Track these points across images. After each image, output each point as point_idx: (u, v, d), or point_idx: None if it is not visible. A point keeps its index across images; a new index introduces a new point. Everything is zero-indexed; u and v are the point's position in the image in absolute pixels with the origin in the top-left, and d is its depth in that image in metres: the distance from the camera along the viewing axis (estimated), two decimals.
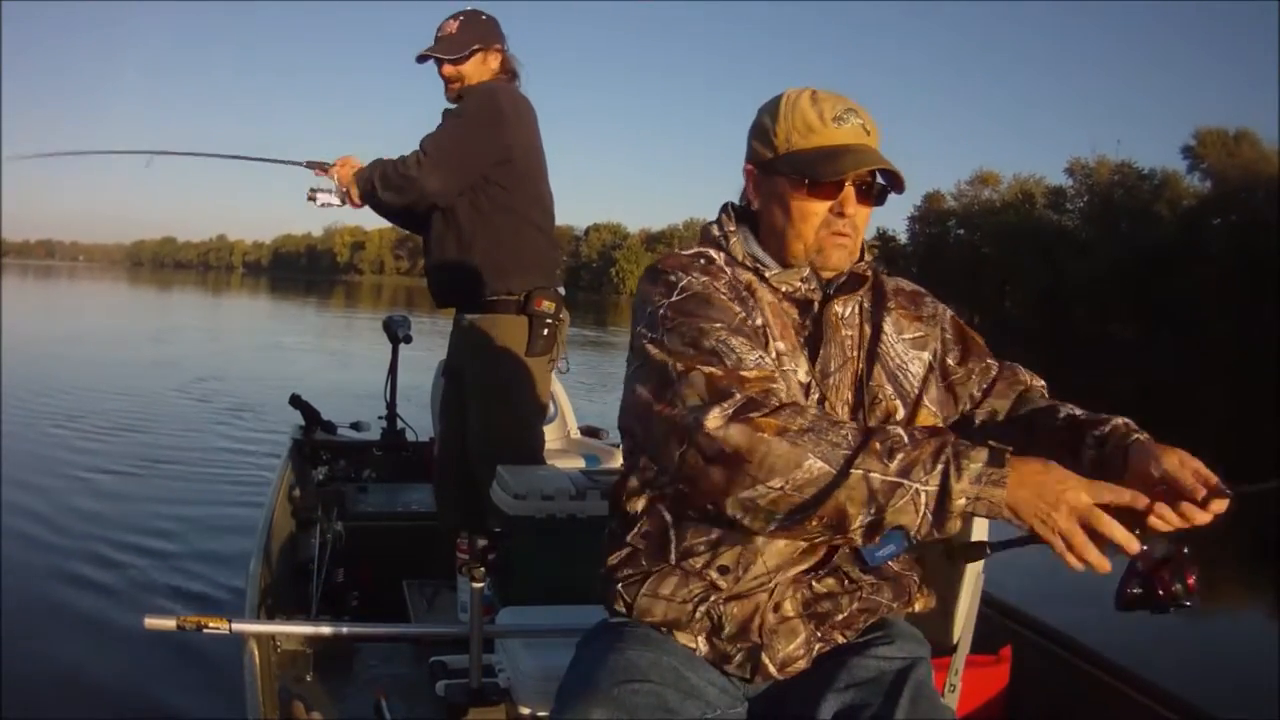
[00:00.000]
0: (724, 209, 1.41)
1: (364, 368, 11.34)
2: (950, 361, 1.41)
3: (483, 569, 1.81)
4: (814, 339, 1.32)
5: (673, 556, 1.27)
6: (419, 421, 3.84)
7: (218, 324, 24.49)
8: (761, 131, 1.33)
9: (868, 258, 1.41)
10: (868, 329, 1.37)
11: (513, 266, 2.58)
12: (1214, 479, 1.11)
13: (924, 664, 1.29)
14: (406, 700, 1.94)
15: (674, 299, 1.24)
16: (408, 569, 2.69)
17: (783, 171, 1.30)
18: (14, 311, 20.18)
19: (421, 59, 2.62)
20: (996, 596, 2.06)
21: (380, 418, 3.94)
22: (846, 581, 1.29)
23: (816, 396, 1.30)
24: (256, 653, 1.87)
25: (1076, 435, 1.29)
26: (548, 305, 2.57)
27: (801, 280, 1.33)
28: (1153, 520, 1.10)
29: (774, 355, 1.27)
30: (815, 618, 1.28)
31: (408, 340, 4.00)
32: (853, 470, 1.05)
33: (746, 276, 1.33)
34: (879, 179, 1.30)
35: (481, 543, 1.89)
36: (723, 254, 1.35)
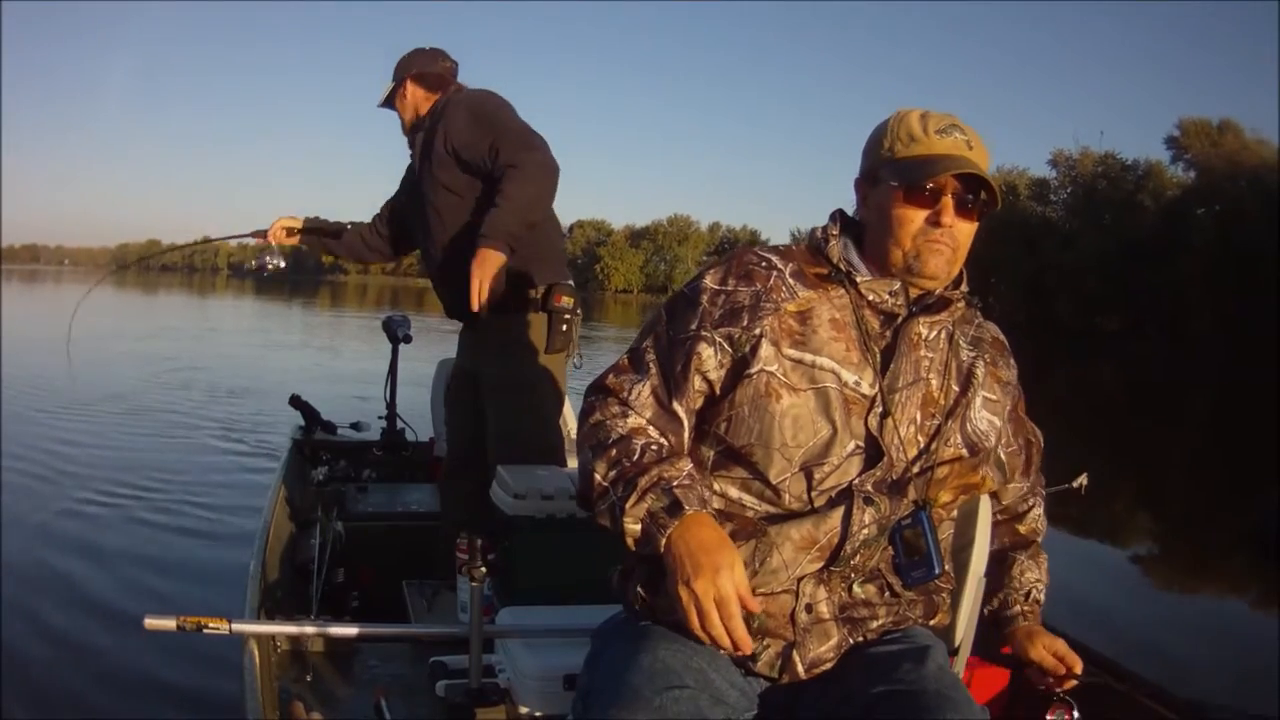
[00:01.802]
0: (833, 215, 1.43)
1: (352, 367, 11.37)
2: (1002, 451, 1.42)
3: (483, 569, 1.81)
4: (888, 351, 1.32)
5: None
6: (419, 422, 3.85)
7: (209, 325, 24.50)
8: (871, 144, 1.38)
9: (963, 286, 1.40)
10: (955, 364, 1.37)
11: (531, 263, 2.54)
12: (1071, 659, 1.45)
13: (947, 668, 1.29)
14: (406, 700, 1.94)
15: (684, 290, 1.39)
16: (408, 569, 2.69)
17: (883, 178, 1.33)
18: (12, 315, 20.21)
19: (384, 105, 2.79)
20: None
21: (380, 418, 3.95)
22: (887, 593, 1.31)
23: (880, 410, 1.30)
24: (256, 653, 1.87)
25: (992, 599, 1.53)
26: (566, 300, 2.55)
27: (890, 293, 1.33)
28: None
29: (781, 364, 1.28)
30: (850, 623, 1.29)
31: (407, 340, 4.00)
32: (590, 466, 1.28)
33: (811, 284, 1.34)
34: (981, 195, 1.32)
35: (481, 543, 1.89)
36: (790, 264, 1.36)
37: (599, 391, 1.38)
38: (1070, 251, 38.77)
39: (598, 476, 1.27)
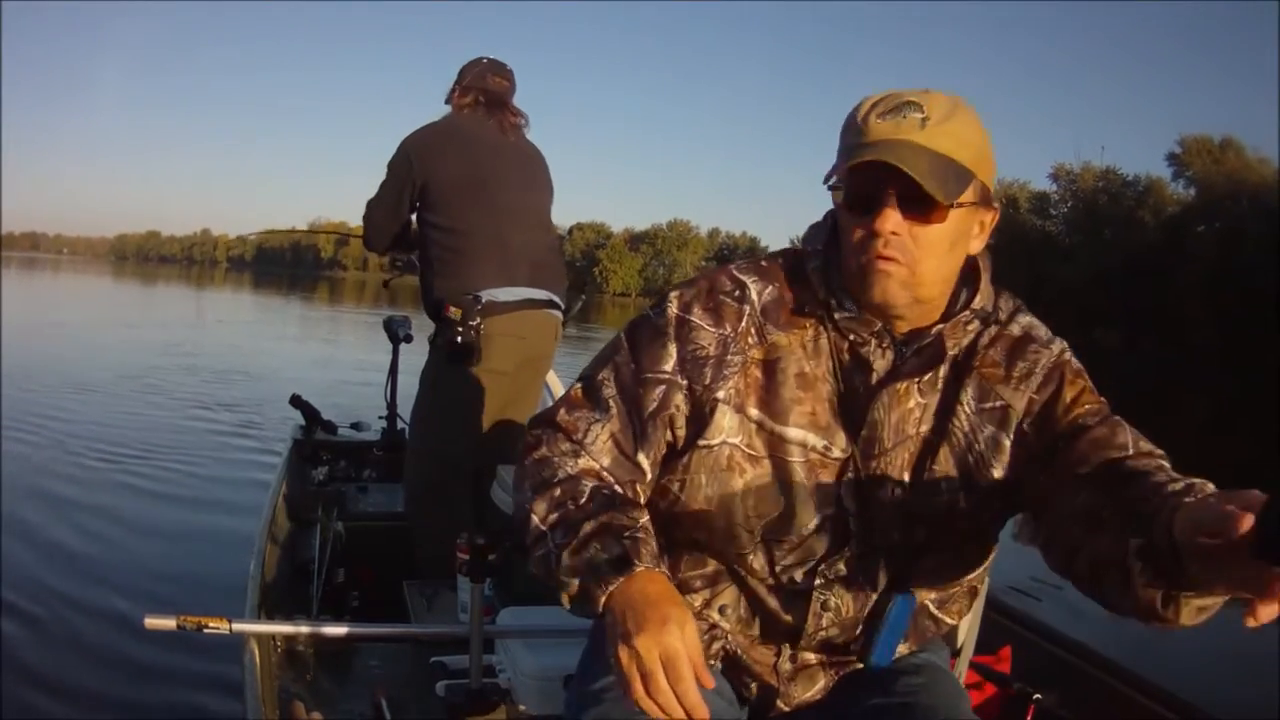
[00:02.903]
0: (825, 219, 1.17)
1: (348, 366, 11.39)
2: (1028, 430, 1.11)
3: (483, 569, 1.81)
4: (863, 409, 1.11)
5: None
6: None
7: (209, 317, 24.59)
8: None
9: (980, 301, 1.12)
10: (937, 398, 1.13)
11: (434, 274, 2.72)
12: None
13: (946, 675, 1.25)
14: (406, 700, 1.94)
15: (649, 316, 1.19)
16: (408, 569, 2.68)
17: (831, 183, 1.09)
18: (12, 299, 20.32)
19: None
20: (997, 597, 2.05)
21: (380, 418, 3.95)
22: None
23: (851, 477, 1.11)
24: (256, 653, 1.86)
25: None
26: (454, 312, 2.63)
27: (872, 333, 1.11)
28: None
29: (744, 432, 1.11)
30: (838, 665, 1.24)
31: (408, 340, 4.00)
32: (528, 506, 1.09)
33: (785, 322, 1.13)
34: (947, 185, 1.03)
35: (481, 543, 1.89)
36: (767, 289, 1.15)
37: (546, 426, 1.16)
38: (1070, 265, 38.80)
39: (535, 518, 1.07)
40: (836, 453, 1.12)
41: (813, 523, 1.13)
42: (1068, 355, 1.15)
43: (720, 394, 1.12)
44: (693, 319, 1.15)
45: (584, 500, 1.07)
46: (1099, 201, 42.66)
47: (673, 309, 1.16)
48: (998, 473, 1.12)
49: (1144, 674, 1.85)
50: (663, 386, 1.13)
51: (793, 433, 1.11)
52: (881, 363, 1.12)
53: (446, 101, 2.89)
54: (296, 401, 4.02)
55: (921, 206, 1.03)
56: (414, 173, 2.71)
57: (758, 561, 1.15)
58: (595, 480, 1.11)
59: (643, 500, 1.14)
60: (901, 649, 1.22)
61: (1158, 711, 1.74)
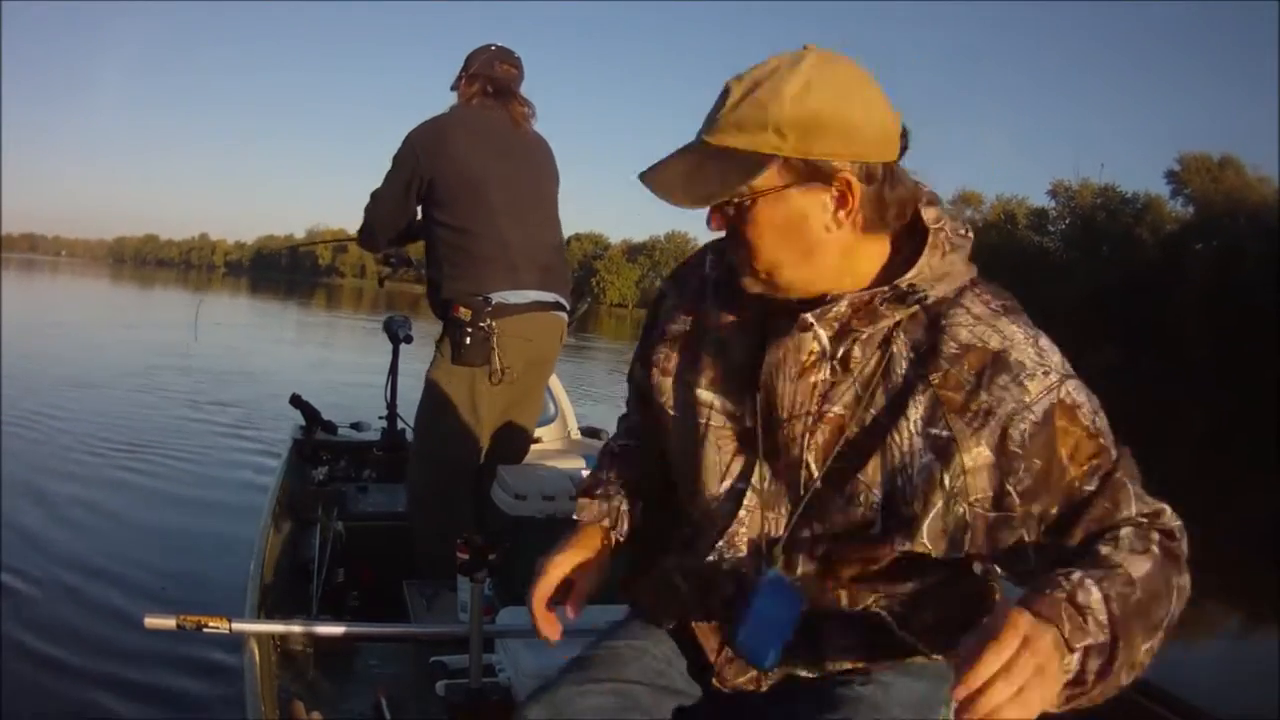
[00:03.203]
0: None
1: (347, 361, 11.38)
2: (1011, 489, 0.97)
3: (483, 569, 1.81)
4: (758, 370, 1.08)
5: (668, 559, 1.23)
6: None
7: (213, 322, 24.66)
8: None
9: (913, 277, 1.01)
10: (879, 394, 1.02)
11: (441, 275, 2.68)
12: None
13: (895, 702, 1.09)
14: (406, 700, 1.94)
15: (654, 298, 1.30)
16: (408, 569, 2.68)
17: None
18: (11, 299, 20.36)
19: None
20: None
21: (380, 418, 3.94)
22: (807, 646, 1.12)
23: (755, 449, 1.08)
24: (257, 653, 1.87)
25: None
26: (464, 313, 2.61)
27: (782, 303, 1.06)
28: None
29: (674, 383, 1.17)
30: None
31: (408, 340, 4.00)
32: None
33: (725, 292, 1.16)
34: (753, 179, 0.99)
35: (481, 543, 1.89)
36: (722, 260, 1.17)
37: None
38: (1068, 282, 38.78)
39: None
40: (748, 422, 1.09)
41: (719, 491, 1.12)
42: (1057, 395, 0.97)
43: (661, 358, 1.19)
44: (668, 292, 1.24)
45: (599, 467, 1.33)
46: (1097, 218, 42.70)
47: (662, 285, 1.27)
48: (921, 510, 0.99)
49: (1144, 674, 1.85)
50: (639, 362, 1.26)
51: (704, 394, 1.13)
52: (783, 327, 1.06)
53: (453, 88, 2.86)
54: (296, 401, 4.01)
55: (725, 205, 1.01)
56: (420, 168, 2.67)
57: (705, 530, 1.15)
58: (612, 451, 1.34)
59: (640, 462, 1.30)
60: (849, 661, 1.12)
61: (1158, 711, 1.74)
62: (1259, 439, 15.06)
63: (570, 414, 3.56)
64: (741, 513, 1.11)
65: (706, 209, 1.01)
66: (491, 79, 2.78)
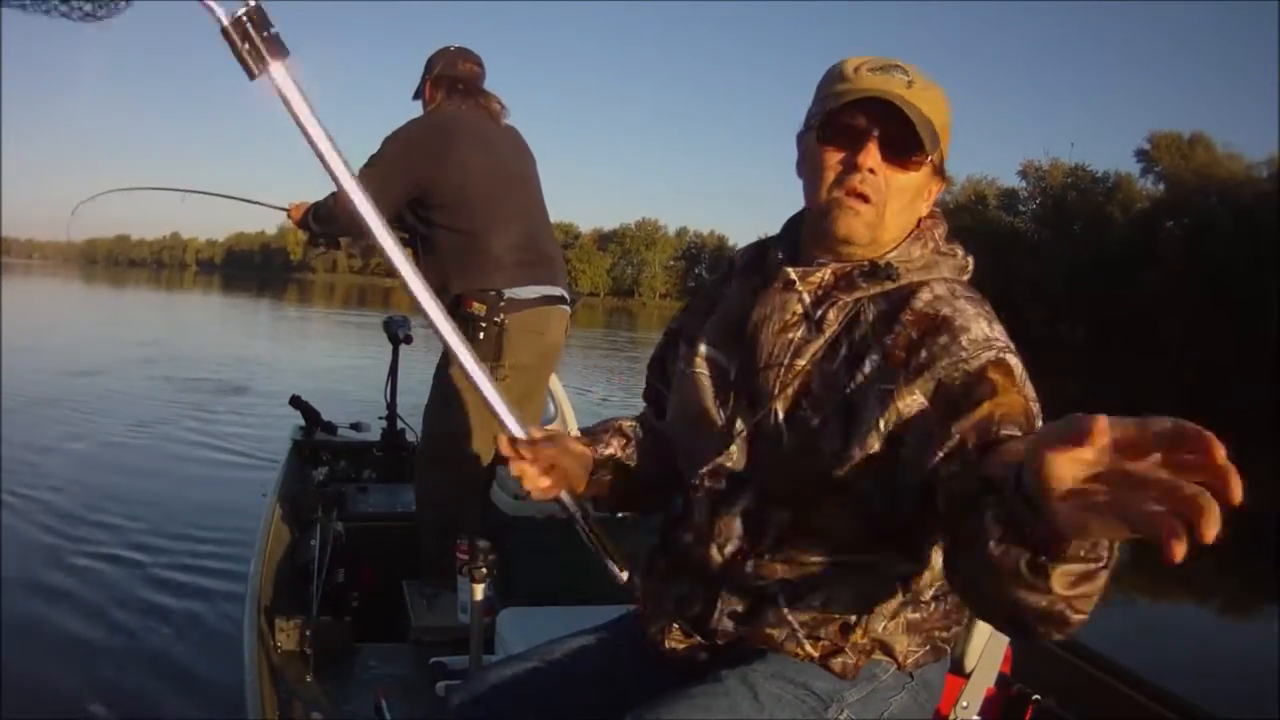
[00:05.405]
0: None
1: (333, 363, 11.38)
2: (937, 432, 1.00)
3: (483, 569, 1.81)
4: (746, 318, 1.17)
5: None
6: (419, 422, 3.82)
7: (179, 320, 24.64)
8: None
9: (918, 252, 1.12)
10: (842, 352, 1.09)
11: (447, 269, 2.66)
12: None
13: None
14: (406, 700, 1.94)
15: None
16: (408, 569, 2.68)
17: (808, 125, 1.13)
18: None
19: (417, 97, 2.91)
20: None
21: (380, 418, 3.95)
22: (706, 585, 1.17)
23: (734, 402, 1.16)
24: (257, 653, 1.87)
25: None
26: (478, 307, 2.60)
27: (802, 269, 1.14)
28: None
29: (684, 345, 1.27)
30: (689, 620, 1.17)
31: (408, 340, 3.99)
32: None
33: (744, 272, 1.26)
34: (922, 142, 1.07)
35: (481, 543, 1.90)
36: (752, 249, 1.27)
37: None
38: (1039, 262, 38.86)
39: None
40: (733, 376, 1.18)
41: (704, 434, 1.18)
42: (995, 355, 1.02)
43: (677, 326, 1.33)
44: (709, 278, 1.36)
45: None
46: (1068, 198, 42.80)
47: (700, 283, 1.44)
48: (861, 455, 1.04)
49: (1144, 674, 1.85)
50: (664, 335, 1.38)
51: (701, 348, 1.23)
52: (774, 289, 1.16)
53: (416, 97, 2.84)
54: (296, 402, 4.01)
55: (901, 153, 1.08)
56: (422, 177, 2.64)
57: (688, 472, 1.21)
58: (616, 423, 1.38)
59: (652, 420, 1.38)
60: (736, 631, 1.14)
61: (1158, 711, 1.74)
62: (1229, 417, 15.09)
63: (570, 413, 3.56)
64: (720, 457, 1.16)
65: (870, 141, 1.08)
66: (458, 78, 2.79)
